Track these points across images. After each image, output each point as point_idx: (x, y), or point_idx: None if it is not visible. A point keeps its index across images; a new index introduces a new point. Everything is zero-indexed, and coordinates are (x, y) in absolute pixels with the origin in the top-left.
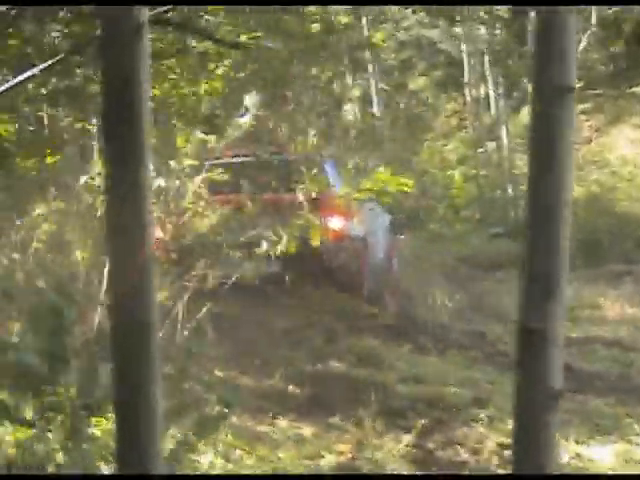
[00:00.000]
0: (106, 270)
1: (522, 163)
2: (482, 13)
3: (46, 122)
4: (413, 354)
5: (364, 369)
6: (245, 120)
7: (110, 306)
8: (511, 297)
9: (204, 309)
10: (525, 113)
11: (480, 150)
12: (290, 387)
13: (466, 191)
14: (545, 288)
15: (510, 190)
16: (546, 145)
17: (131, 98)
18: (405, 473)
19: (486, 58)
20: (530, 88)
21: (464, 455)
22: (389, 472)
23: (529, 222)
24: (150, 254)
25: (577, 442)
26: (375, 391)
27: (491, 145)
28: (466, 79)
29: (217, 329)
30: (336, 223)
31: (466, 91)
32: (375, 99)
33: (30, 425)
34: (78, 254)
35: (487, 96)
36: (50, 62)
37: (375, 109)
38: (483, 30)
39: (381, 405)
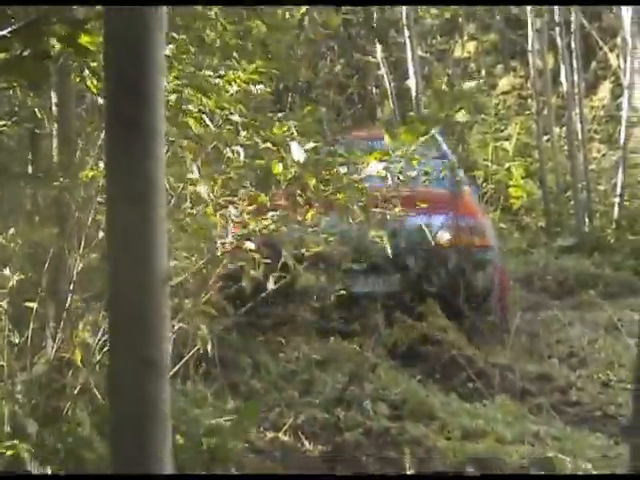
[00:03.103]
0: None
1: (599, 155)
2: None
3: None
4: (460, 400)
5: (398, 418)
6: None
7: (109, 339)
8: (585, 330)
9: None
10: (605, 90)
11: (546, 138)
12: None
13: (526, 191)
14: None
15: (584, 190)
16: None
17: (144, 65)
18: (406, 473)
19: (557, 19)
20: (614, 59)
21: None
22: None
23: None
24: (164, 273)
25: None
26: (411, 448)
27: (560, 132)
28: (530, 46)
29: None
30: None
31: (530, 61)
32: (411, 69)
33: None
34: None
35: (557, 68)
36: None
37: (411, 81)
38: None
39: (419, 467)
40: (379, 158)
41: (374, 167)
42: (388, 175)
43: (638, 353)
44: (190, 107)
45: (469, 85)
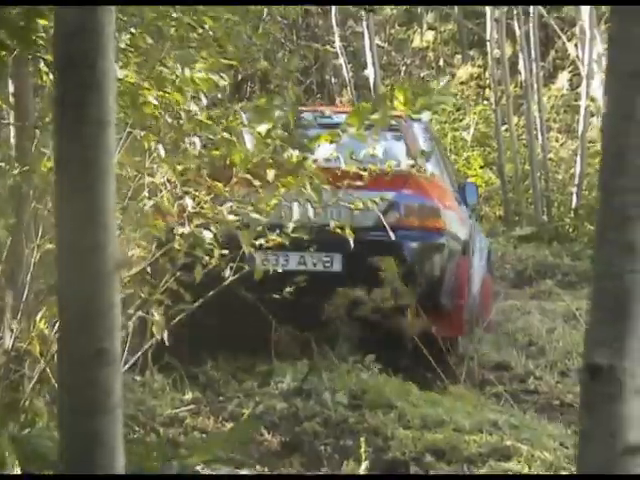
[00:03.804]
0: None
1: (558, 144)
2: None
3: None
4: (419, 390)
5: (356, 408)
6: None
7: (59, 327)
8: (544, 319)
9: None
10: (563, 80)
11: (504, 127)
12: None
13: (485, 180)
14: (618, 313)
15: (542, 179)
16: (623, 134)
17: (93, 54)
18: (405, 474)
19: (515, 8)
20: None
21: None
22: None
23: (599, 232)
24: (114, 261)
25: None
26: (370, 437)
27: (519, 121)
28: (488, 35)
29: None
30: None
31: (488, 51)
32: (369, 59)
33: None
34: None
35: (515, 58)
36: None
37: (369, 71)
38: None
39: (377, 455)
40: (329, 140)
41: (325, 149)
42: (339, 156)
43: (584, 340)
44: (150, 99)
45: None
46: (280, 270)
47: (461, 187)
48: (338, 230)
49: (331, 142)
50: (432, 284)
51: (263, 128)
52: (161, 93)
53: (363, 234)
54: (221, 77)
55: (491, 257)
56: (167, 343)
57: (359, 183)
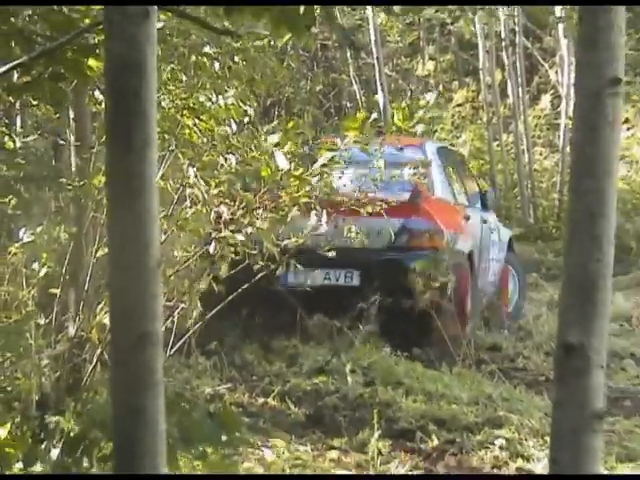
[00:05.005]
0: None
1: (542, 157)
2: None
3: None
4: (424, 368)
5: (369, 385)
6: None
7: (110, 316)
8: (531, 307)
9: None
10: (546, 101)
11: (495, 143)
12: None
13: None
14: (587, 298)
15: (529, 188)
16: (590, 144)
17: (138, 85)
18: (406, 473)
19: (503, 40)
20: (552, 74)
21: None
22: None
23: (570, 227)
24: (156, 260)
25: (605, 467)
26: (382, 410)
27: (508, 138)
28: (481, 64)
29: None
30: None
31: (481, 78)
32: (379, 85)
33: None
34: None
35: (504, 83)
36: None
37: (379, 96)
38: (500, 10)
39: (388, 425)
40: (329, 148)
41: (325, 157)
42: (341, 161)
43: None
44: (188, 123)
45: (428, 98)
46: (309, 284)
47: (483, 194)
48: None
49: (329, 150)
50: (435, 293)
51: (287, 147)
52: (197, 119)
53: (377, 254)
54: (248, 104)
55: (512, 246)
56: (200, 334)
57: (375, 211)
